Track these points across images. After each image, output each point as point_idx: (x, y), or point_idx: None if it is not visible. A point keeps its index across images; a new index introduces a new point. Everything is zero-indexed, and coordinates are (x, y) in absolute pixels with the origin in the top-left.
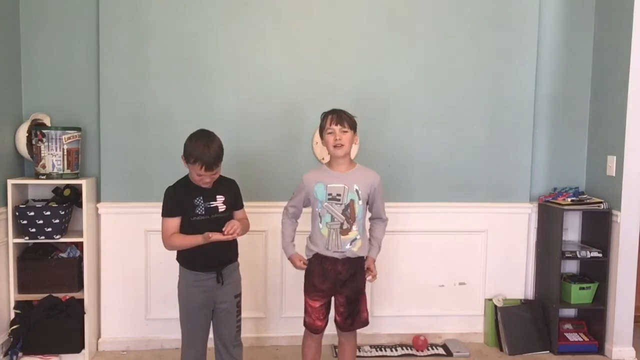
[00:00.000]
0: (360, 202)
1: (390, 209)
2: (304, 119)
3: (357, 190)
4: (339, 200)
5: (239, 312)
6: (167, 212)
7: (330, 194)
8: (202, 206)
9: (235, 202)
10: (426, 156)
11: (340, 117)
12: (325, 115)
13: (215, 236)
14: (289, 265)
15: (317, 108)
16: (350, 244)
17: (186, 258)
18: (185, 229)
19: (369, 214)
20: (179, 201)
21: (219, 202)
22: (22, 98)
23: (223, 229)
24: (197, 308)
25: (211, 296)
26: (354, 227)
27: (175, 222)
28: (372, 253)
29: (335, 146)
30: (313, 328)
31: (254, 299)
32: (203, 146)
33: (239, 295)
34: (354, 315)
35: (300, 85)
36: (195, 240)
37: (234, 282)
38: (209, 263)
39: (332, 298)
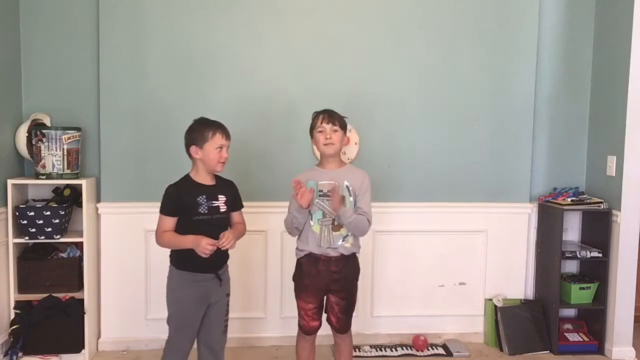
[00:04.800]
0: (352, 198)
1: (391, 209)
2: (303, 118)
3: (347, 187)
4: (329, 196)
5: (227, 312)
6: (165, 211)
7: (321, 191)
8: (205, 205)
9: (234, 203)
10: (426, 156)
11: (331, 116)
12: (316, 115)
13: (208, 242)
14: (289, 265)
15: (316, 107)
16: (343, 240)
17: (184, 259)
18: (186, 229)
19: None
20: (180, 200)
21: (221, 202)
22: (22, 98)
23: (220, 238)
24: (191, 308)
25: (207, 296)
26: None
27: (171, 221)
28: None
29: (325, 144)
30: (308, 329)
31: (254, 299)
32: (212, 121)
33: (229, 295)
34: (349, 315)
35: (299, 84)
36: (185, 241)
37: (226, 281)
38: (209, 264)
39: (325, 298)
